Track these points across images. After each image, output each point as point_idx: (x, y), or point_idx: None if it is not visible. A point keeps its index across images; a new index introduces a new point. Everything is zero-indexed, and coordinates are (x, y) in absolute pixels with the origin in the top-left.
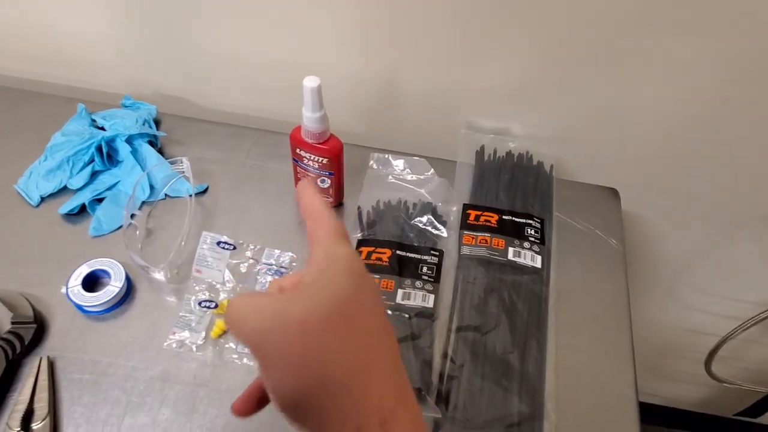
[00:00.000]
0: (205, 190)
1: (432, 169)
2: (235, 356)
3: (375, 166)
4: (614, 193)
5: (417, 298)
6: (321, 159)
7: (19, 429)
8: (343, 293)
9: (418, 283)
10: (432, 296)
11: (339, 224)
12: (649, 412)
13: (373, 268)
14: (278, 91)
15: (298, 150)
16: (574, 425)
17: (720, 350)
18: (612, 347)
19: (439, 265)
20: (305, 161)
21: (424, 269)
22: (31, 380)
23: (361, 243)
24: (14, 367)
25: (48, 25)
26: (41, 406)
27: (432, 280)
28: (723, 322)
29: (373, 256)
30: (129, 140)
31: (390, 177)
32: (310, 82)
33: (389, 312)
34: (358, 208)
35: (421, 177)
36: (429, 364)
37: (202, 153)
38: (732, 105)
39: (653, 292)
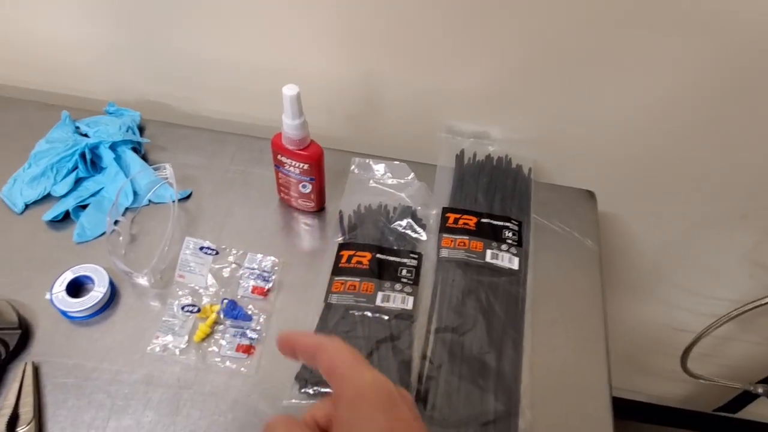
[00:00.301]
0: (189, 196)
1: (412, 174)
2: (218, 359)
3: (356, 171)
4: (590, 195)
5: (396, 300)
6: (302, 165)
7: None
8: (381, 427)
9: (398, 286)
10: (411, 298)
11: (352, 351)
12: (630, 409)
13: (353, 272)
14: (260, 96)
15: (279, 156)
16: (549, 422)
17: (696, 347)
18: (587, 345)
19: (418, 268)
20: (286, 167)
21: (404, 272)
22: (16, 385)
23: (342, 247)
24: None
25: (30, 31)
26: (26, 411)
27: (411, 282)
28: (699, 319)
29: (354, 259)
30: (113, 147)
31: (371, 181)
32: (289, 90)
33: (368, 314)
34: (340, 212)
35: (402, 181)
36: (408, 364)
37: (185, 159)
38: (706, 106)
39: (631, 290)
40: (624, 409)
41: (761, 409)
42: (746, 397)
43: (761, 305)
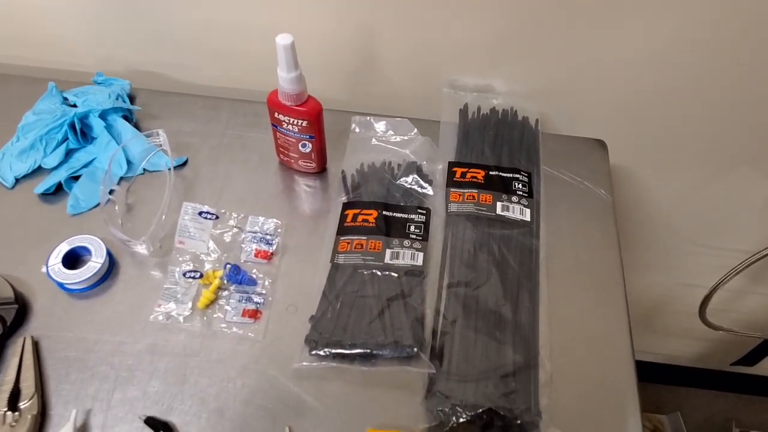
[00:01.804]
0: (185, 163)
1: (415, 129)
2: (224, 326)
3: (357, 130)
4: (601, 144)
5: (406, 256)
6: (300, 122)
7: (5, 409)
8: None
9: (406, 242)
10: (421, 254)
11: None
12: (644, 370)
13: (359, 230)
14: (253, 59)
15: (276, 114)
16: (570, 372)
17: (712, 300)
18: (604, 294)
19: (426, 224)
20: (284, 126)
21: (412, 228)
22: (16, 360)
23: (346, 206)
24: None
25: (11, 2)
26: (27, 386)
27: (420, 238)
28: (713, 274)
29: (359, 218)
30: (103, 116)
31: (373, 140)
32: (283, 39)
33: (377, 272)
34: (342, 172)
35: (405, 138)
36: (421, 321)
37: (179, 126)
38: (717, 52)
39: (643, 247)
40: (640, 371)
41: None
42: (764, 349)
43: None
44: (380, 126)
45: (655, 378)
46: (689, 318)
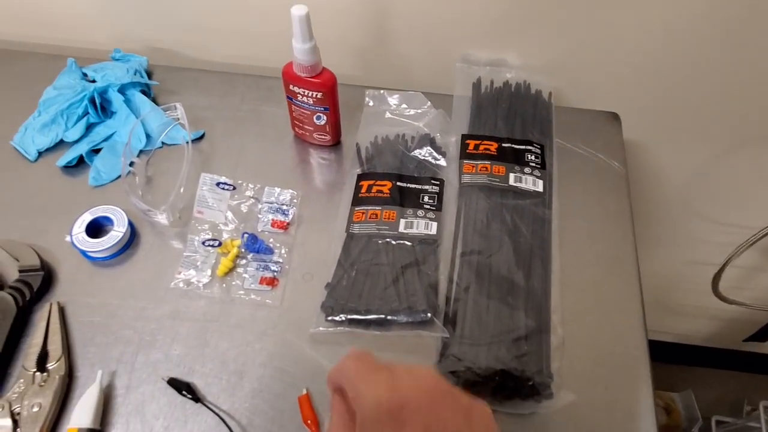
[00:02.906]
0: (202, 137)
1: (429, 102)
2: (242, 292)
3: (371, 103)
4: (615, 117)
5: (420, 226)
6: (315, 94)
7: (35, 370)
8: None
9: (420, 212)
10: (434, 224)
11: (358, 365)
12: (656, 350)
13: (374, 201)
14: (267, 36)
15: (291, 86)
16: (581, 338)
17: (724, 276)
18: (616, 264)
19: (440, 194)
20: (299, 98)
21: (426, 198)
22: (43, 324)
23: (361, 177)
24: (25, 314)
25: None
26: (54, 348)
27: (434, 208)
28: (728, 251)
29: (374, 188)
30: (122, 91)
31: (387, 113)
32: (298, 10)
33: (392, 241)
34: (357, 144)
35: (419, 111)
36: (435, 288)
37: (195, 101)
38: (729, 22)
39: (655, 223)
40: (652, 351)
41: None
42: None
43: None
44: (394, 100)
45: (667, 358)
46: (702, 295)
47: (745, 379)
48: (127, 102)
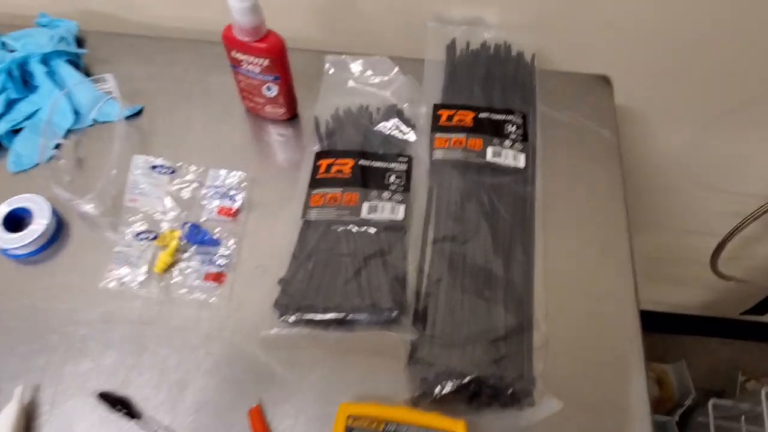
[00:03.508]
0: (140, 112)
1: (396, 68)
2: (184, 291)
3: (332, 71)
4: (605, 80)
5: (385, 210)
6: (261, 61)
7: None
8: None
9: (386, 194)
10: (402, 207)
11: None
12: (649, 320)
13: (333, 182)
14: None
15: (233, 53)
16: (567, 333)
17: (724, 249)
18: (607, 247)
19: (408, 173)
20: (244, 65)
21: (392, 178)
22: None
23: (319, 156)
24: None
25: None
26: None
27: (401, 189)
28: (725, 220)
29: (333, 168)
30: (45, 61)
31: (349, 81)
32: None
33: (353, 228)
34: (315, 118)
35: (385, 78)
36: (402, 281)
37: (133, 71)
38: None
39: (650, 193)
40: (644, 321)
41: None
42: None
43: None
44: (357, 66)
45: (659, 327)
46: (699, 267)
47: (739, 347)
48: (51, 74)
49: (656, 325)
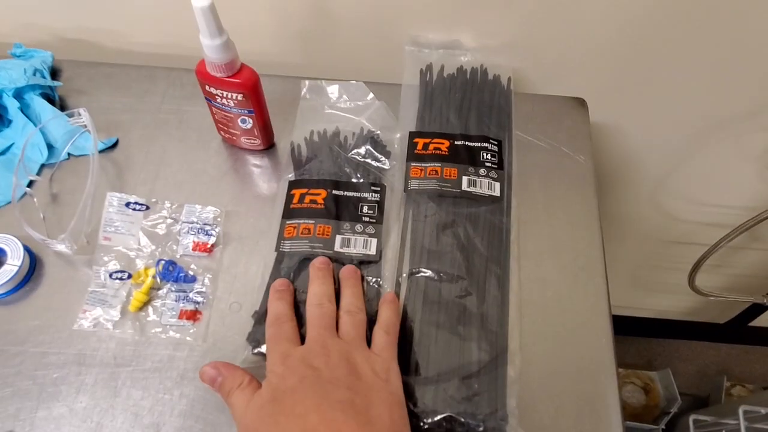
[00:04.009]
0: (115, 144)
1: (371, 94)
2: (159, 330)
3: (308, 96)
4: (580, 102)
5: (358, 244)
6: (235, 95)
7: None
8: None
9: (359, 227)
10: (374, 240)
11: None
12: (636, 325)
13: (307, 212)
14: (189, 19)
15: (208, 87)
16: (543, 364)
17: (705, 262)
18: (582, 275)
19: (381, 203)
20: (218, 100)
21: (365, 209)
22: None
23: (292, 185)
24: None
25: None
26: None
27: (374, 221)
28: (708, 231)
29: (307, 198)
30: (18, 95)
31: (325, 107)
32: (199, 1)
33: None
34: (291, 144)
35: (360, 103)
36: (375, 316)
37: (110, 101)
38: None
39: (634, 205)
40: (627, 326)
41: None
42: (755, 310)
43: None
44: (333, 91)
45: (646, 332)
46: (681, 276)
47: (725, 350)
48: (25, 108)
49: (644, 330)
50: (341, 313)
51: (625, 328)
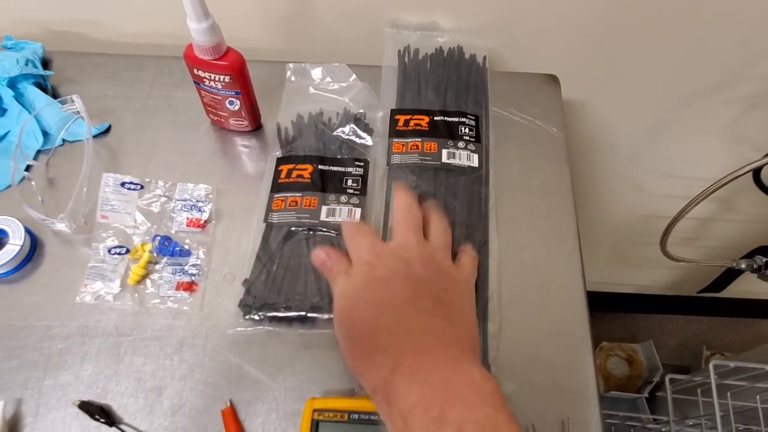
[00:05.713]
0: (108, 130)
1: (354, 75)
2: (157, 301)
3: (293, 79)
4: (553, 79)
5: (342, 213)
6: (222, 77)
7: None
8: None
9: (343, 198)
10: (358, 210)
11: (350, 231)
12: (619, 301)
13: (294, 186)
14: (175, 7)
15: (196, 71)
16: (521, 320)
17: (678, 231)
18: (557, 239)
19: (364, 177)
20: (206, 82)
21: (349, 182)
22: None
23: (280, 161)
24: None
25: None
26: None
27: (358, 192)
28: (679, 203)
29: (294, 173)
30: (12, 85)
31: (310, 88)
32: None
33: (314, 232)
34: (277, 124)
35: (343, 84)
36: None
37: (100, 89)
38: None
39: (608, 181)
40: (611, 302)
41: (745, 286)
42: (729, 275)
43: (737, 177)
44: (317, 73)
45: (629, 307)
46: (656, 249)
47: (706, 323)
48: (19, 97)
49: (627, 305)
50: (431, 221)
51: (609, 304)
